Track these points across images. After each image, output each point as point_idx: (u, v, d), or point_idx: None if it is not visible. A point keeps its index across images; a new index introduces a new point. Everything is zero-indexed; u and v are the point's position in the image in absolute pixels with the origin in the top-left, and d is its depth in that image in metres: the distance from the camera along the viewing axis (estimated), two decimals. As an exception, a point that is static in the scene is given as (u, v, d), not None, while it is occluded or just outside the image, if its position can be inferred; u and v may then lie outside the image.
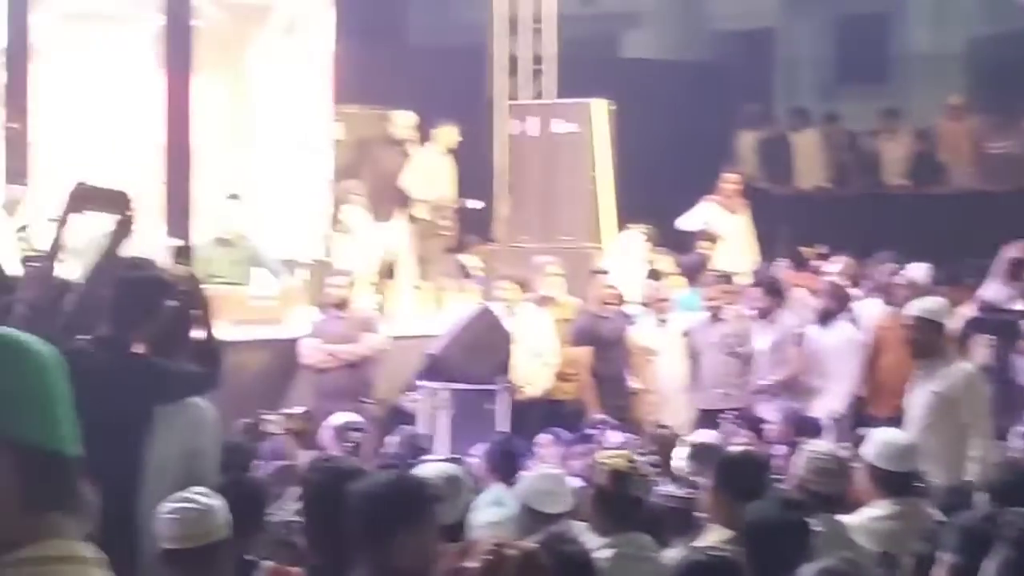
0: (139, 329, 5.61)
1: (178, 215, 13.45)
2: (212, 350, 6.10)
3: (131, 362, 5.59)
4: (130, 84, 13.81)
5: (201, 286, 6.34)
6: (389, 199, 13.75)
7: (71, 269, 8.70)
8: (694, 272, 13.19)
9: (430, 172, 13.92)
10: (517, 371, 11.08)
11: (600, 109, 13.53)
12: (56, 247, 5.43)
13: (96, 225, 6.56)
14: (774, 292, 11.42)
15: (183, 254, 6.01)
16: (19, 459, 2.11)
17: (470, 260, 14.36)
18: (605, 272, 12.14)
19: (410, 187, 13.95)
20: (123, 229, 5.60)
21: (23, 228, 7.42)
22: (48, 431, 2.15)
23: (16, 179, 12.55)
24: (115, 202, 5.53)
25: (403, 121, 14.15)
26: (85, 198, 5.47)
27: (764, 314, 11.26)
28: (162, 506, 5.10)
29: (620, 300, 11.79)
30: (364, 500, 4.28)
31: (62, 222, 5.50)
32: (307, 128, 14.53)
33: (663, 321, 11.85)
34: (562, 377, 11.49)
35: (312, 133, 14.54)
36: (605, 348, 11.46)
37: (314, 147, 14.53)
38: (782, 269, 13.22)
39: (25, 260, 6.97)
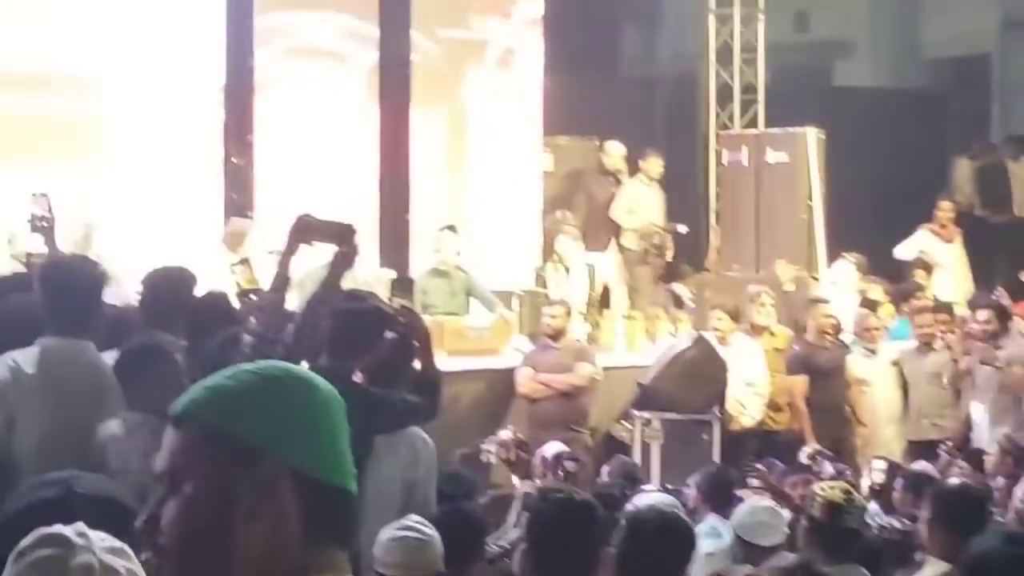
0: (358, 360, 5.72)
1: (395, 247, 13.74)
2: (431, 381, 6.20)
3: (350, 392, 5.68)
4: (347, 118, 14.13)
5: (420, 318, 6.47)
6: (600, 229, 13.87)
7: (291, 301, 8.95)
8: (905, 301, 13.02)
9: (640, 202, 14.00)
10: (730, 401, 11.06)
11: (812, 138, 13.44)
12: (282, 279, 5.54)
13: (314, 257, 6.78)
14: (1002, 316, 11.18)
15: (402, 286, 6.09)
16: (304, 491, 2.18)
17: (682, 289, 14.38)
18: (824, 301, 12.04)
19: (620, 217, 14.05)
20: (345, 261, 5.68)
21: (241, 262, 7.61)
22: (332, 465, 2.22)
23: (240, 213, 12.93)
24: (339, 234, 5.60)
25: (613, 151, 14.29)
26: (310, 230, 5.55)
27: (991, 336, 11.01)
28: (382, 534, 5.21)
29: (837, 329, 11.69)
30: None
31: (288, 254, 5.59)
32: (518, 159, 14.71)
33: (873, 351, 11.72)
34: (775, 407, 11.43)
35: (523, 164, 14.71)
36: (822, 378, 11.37)
37: (525, 178, 14.71)
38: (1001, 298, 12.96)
39: (243, 293, 7.12)
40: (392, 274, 12.07)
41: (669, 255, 13.86)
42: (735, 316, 11.47)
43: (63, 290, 4.95)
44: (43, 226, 6.83)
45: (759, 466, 8.90)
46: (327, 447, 2.24)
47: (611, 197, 14.14)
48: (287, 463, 2.18)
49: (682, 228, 14.05)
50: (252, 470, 2.16)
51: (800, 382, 11.30)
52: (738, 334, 11.36)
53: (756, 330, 11.62)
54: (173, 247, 11.28)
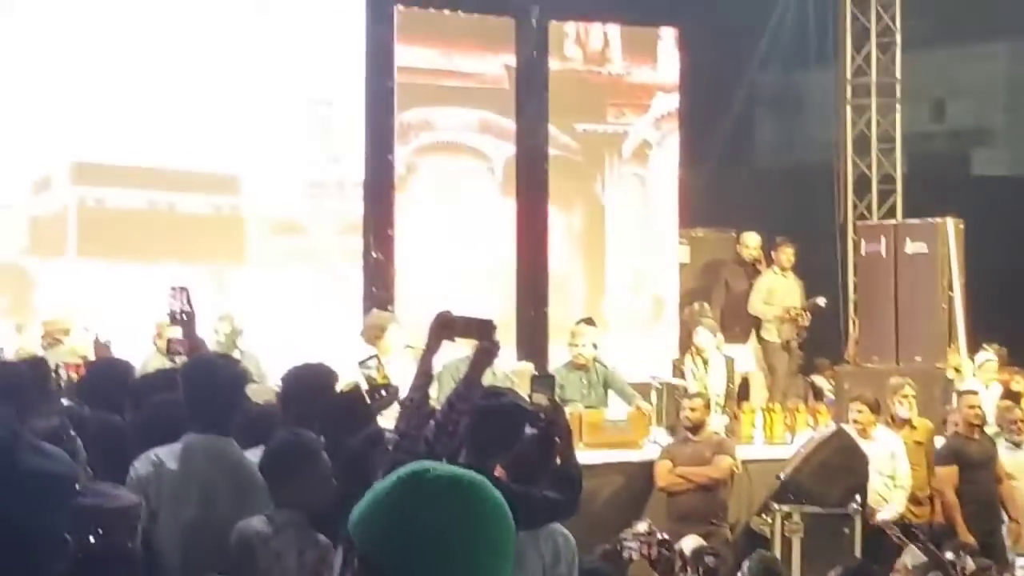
0: (499, 457, 5.76)
1: (533, 340, 13.84)
2: (572, 477, 6.22)
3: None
4: (485, 211, 14.30)
5: (562, 413, 6.49)
6: (738, 321, 13.85)
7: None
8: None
9: (775, 292, 13.98)
10: (871, 494, 10.93)
11: (951, 227, 13.33)
12: (425, 376, 5.57)
13: (452, 350, 6.84)
14: None
15: (543, 381, 6.11)
16: None
17: (822, 381, 14.30)
18: (973, 392, 11.89)
19: (757, 308, 14.03)
20: (486, 357, 5.69)
21: (371, 358, 7.67)
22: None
23: (380, 307, 13.11)
24: (479, 330, 5.63)
25: (750, 242, 14.31)
26: (451, 326, 5.58)
27: None
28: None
29: (984, 421, 11.54)
30: None
31: (430, 351, 5.62)
32: (655, 251, 14.77)
33: (1018, 444, 11.54)
34: (915, 500, 11.28)
35: (660, 256, 14.76)
36: (972, 470, 11.19)
37: (662, 270, 14.75)
38: None
39: (374, 389, 7.15)
40: (530, 367, 12.14)
41: (801, 334, 13.81)
42: (875, 408, 11.35)
43: (205, 388, 5.04)
44: (183, 320, 6.94)
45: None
46: (477, 561, 2.27)
47: (749, 288, 14.13)
48: None
49: (821, 300, 13.97)
50: None
51: (951, 473, 11.14)
52: (879, 427, 11.24)
53: (897, 422, 11.49)
54: (314, 342, 11.45)
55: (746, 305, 14.07)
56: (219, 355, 6.68)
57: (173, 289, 7.28)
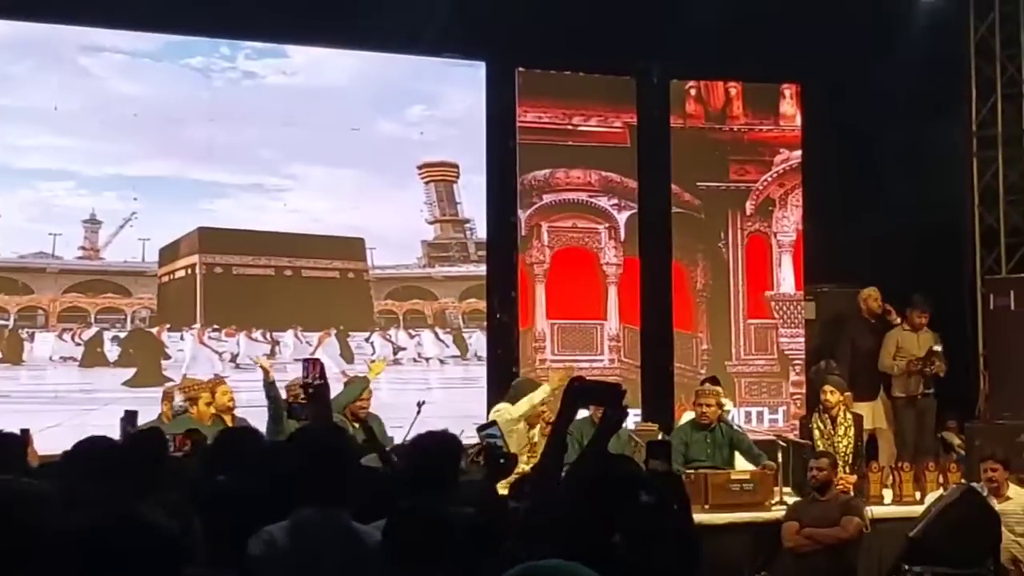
0: (615, 526, 5.70)
1: (658, 398, 13.79)
2: (691, 545, 6.16)
3: (607, 563, 5.64)
4: (609, 271, 14.29)
5: (680, 480, 6.44)
6: (866, 377, 13.67)
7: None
8: None
9: (904, 349, 13.79)
10: (1005, 554, 10.72)
11: (1080, 280, 13.10)
12: (560, 446, 5.54)
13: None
14: None
15: (658, 448, 6.06)
16: None
17: (952, 438, 14.06)
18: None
19: (886, 364, 13.86)
20: (613, 424, 5.68)
21: (491, 425, 7.67)
22: None
23: (506, 368, 13.16)
24: (609, 396, 5.61)
25: (872, 297, 14.15)
26: (585, 394, 5.56)
27: None
28: None
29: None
30: None
31: (565, 420, 5.61)
32: (781, 308, 14.66)
33: None
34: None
35: (786, 313, 14.65)
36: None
37: (788, 327, 14.64)
38: None
39: (493, 457, 7.15)
40: (655, 427, 12.10)
41: (939, 370, 13.61)
42: (1008, 465, 11.14)
43: (314, 460, 5.05)
44: (316, 392, 7.01)
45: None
46: None
47: (874, 344, 13.97)
48: None
49: (937, 346, 13.74)
50: None
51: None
52: (1011, 484, 11.03)
53: (1029, 480, 11.27)
54: (440, 405, 11.52)
55: (872, 361, 13.90)
56: (326, 425, 6.72)
57: (306, 361, 7.39)
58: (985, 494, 10.90)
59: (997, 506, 10.82)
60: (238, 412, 11.04)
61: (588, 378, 5.68)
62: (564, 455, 5.42)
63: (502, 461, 6.69)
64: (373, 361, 12.79)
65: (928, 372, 13.65)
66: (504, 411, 11.12)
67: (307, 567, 4.72)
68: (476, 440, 8.59)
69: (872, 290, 14.23)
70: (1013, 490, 10.94)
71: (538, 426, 11.11)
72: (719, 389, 12.10)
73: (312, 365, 7.24)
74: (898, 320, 14.05)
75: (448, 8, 13.25)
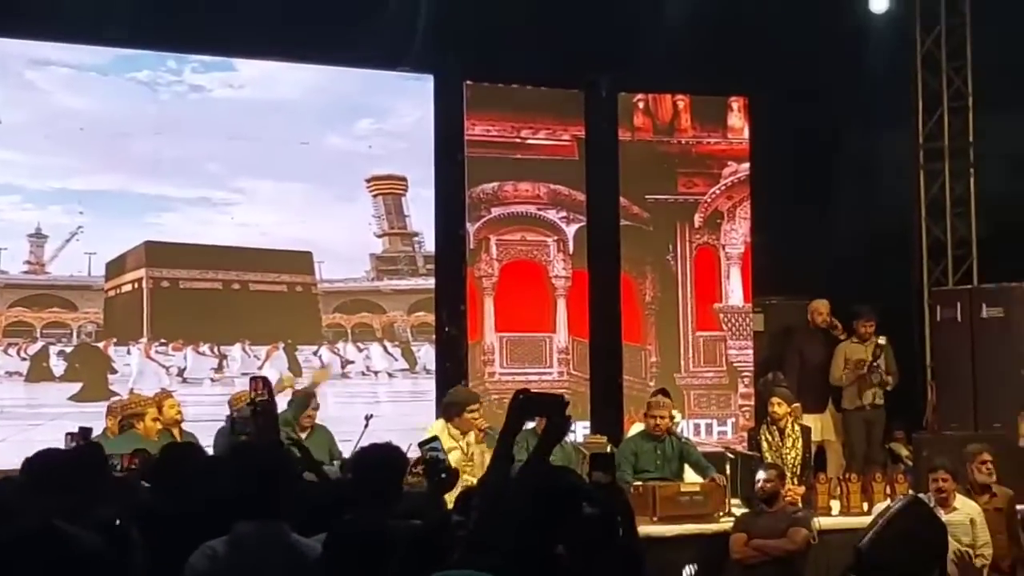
0: (558, 538, 5.69)
1: (607, 411, 13.81)
2: (635, 556, 6.16)
3: (548, 572, 5.64)
4: (557, 283, 14.31)
5: (622, 491, 6.45)
6: (813, 389, 13.72)
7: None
8: None
9: (854, 360, 13.86)
10: (950, 564, 10.77)
11: (1027, 292, 13.21)
12: (507, 460, 5.51)
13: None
14: None
15: (603, 460, 6.07)
16: None
17: (899, 449, 14.14)
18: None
19: (836, 376, 13.93)
20: (556, 435, 5.67)
21: (433, 439, 7.64)
22: None
23: (455, 382, 13.13)
24: (553, 407, 5.61)
25: (821, 309, 14.23)
26: (531, 406, 5.54)
27: None
28: None
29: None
30: None
31: (512, 433, 5.58)
32: (729, 320, 14.71)
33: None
34: (997, 568, 11.09)
35: (734, 325, 14.70)
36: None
37: (736, 339, 14.68)
38: None
39: (434, 472, 7.12)
40: (603, 440, 12.11)
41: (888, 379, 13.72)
42: (956, 476, 11.19)
43: (254, 475, 5.04)
44: (262, 410, 7.00)
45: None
46: None
47: (823, 356, 14.05)
48: None
49: (881, 339, 13.82)
50: None
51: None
52: (958, 495, 11.09)
53: (977, 490, 11.33)
54: (388, 419, 11.49)
55: (820, 373, 13.97)
56: (264, 441, 6.70)
57: (253, 379, 7.37)
58: (932, 504, 10.95)
59: (944, 516, 10.86)
60: (185, 426, 10.99)
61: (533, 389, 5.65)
62: (510, 468, 5.40)
63: (443, 475, 6.67)
64: (317, 370, 12.77)
65: (875, 374, 13.70)
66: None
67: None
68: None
69: (821, 303, 14.30)
70: (960, 500, 11.00)
71: (471, 432, 11.05)
72: (669, 401, 12.12)
73: (258, 382, 7.23)
74: (844, 335, 14.13)
75: (397, 21, 13.25)
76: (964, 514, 10.94)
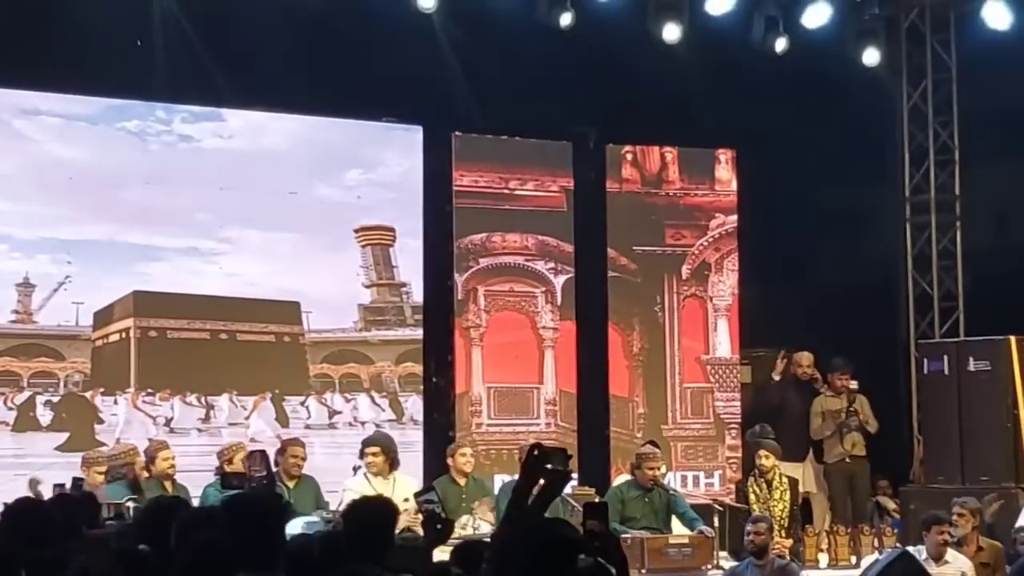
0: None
1: (595, 463, 13.77)
2: (631, 609, 6.15)
3: None
4: (545, 334, 14.31)
5: (617, 542, 6.42)
6: (795, 440, 13.69)
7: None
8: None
9: (831, 412, 13.90)
10: (941, 618, 10.74)
11: (1015, 345, 13.20)
12: (524, 511, 5.50)
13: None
14: None
15: (596, 509, 6.06)
16: None
17: (887, 502, 14.13)
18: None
19: (815, 430, 13.94)
20: (556, 487, 5.69)
21: (429, 491, 7.62)
22: None
23: (442, 432, 13.11)
24: (558, 460, 5.63)
25: (803, 362, 14.24)
26: (545, 459, 5.55)
27: None
28: None
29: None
30: None
31: (528, 487, 5.59)
32: (716, 372, 14.72)
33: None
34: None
35: (721, 376, 14.71)
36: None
37: (724, 391, 14.69)
38: None
39: (430, 523, 7.12)
40: (591, 492, 12.08)
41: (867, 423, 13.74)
42: (943, 529, 11.13)
43: (251, 526, 5.02)
44: (261, 483, 7.01)
45: None
46: None
47: (803, 407, 14.06)
48: None
49: (853, 383, 13.86)
50: None
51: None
52: (949, 549, 11.03)
53: (965, 543, 11.29)
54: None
55: (801, 425, 13.96)
56: (258, 490, 6.69)
57: (252, 454, 7.36)
58: (924, 558, 10.90)
59: (935, 570, 10.84)
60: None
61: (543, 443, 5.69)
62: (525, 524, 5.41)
63: (439, 527, 6.64)
64: None
65: (852, 419, 13.71)
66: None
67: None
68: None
69: (804, 355, 14.31)
70: (951, 554, 10.95)
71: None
72: (658, 452, 12.14)
73: (255, 457, 7.24)
74: (824, 388, 14.15)
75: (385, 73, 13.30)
76: (956, 568, 10.89)
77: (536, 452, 5.36)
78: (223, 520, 5.05)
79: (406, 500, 9.23)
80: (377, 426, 13.88)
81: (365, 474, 11.01)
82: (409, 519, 9.06)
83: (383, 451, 11.26)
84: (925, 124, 15.41)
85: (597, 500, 10.09)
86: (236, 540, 4.85)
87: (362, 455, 11.09)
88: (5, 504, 5.76)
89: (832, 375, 13.99)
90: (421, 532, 6.80)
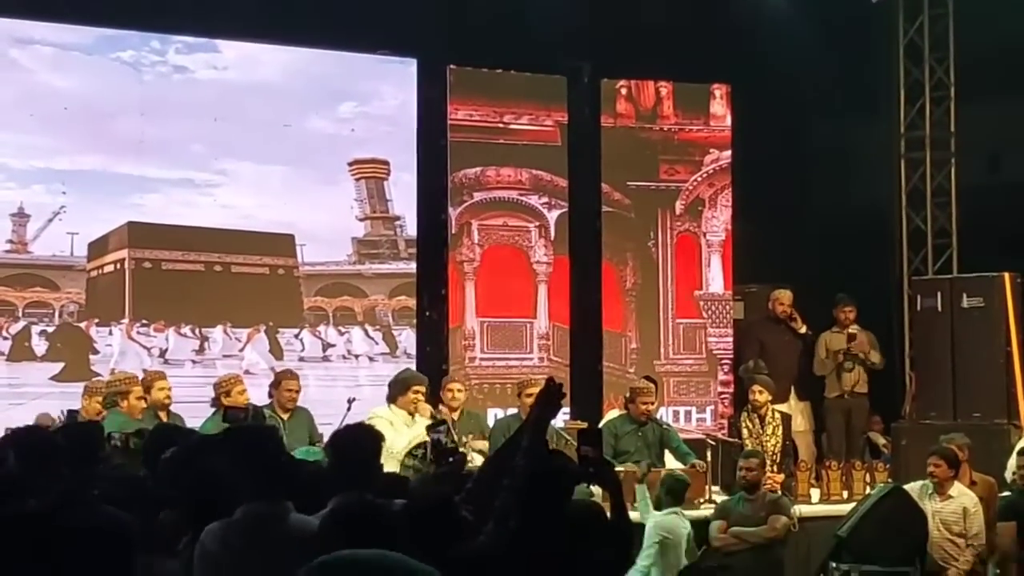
0: (550, 523, 5.71)
1: (588, 397, 13.82)
2: (622, 532, 6.17)
3: (545, 557, 5.65)
4: (538, 269, 14.32)
5: (612, 468, 6.47)
6: (774, 378, 13.68)
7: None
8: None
9: (833, 349, 13.91)
10: (938, 552, 10.79)
11: (1008, 282, 13.23)
12: (539, 446, 5.55)
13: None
14: None
15: (592, 436, 6.11)
16: None
17: (877, 438, 14.19)
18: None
19: (818, 368, 13.95)
20: (547, 416, 5.74)
21: (441, 423, 7.62)
22: None
23: (435, 366, 13.12)
24: (550, 392, 5.69)
25: (784, 299, 14.17)
26: (560, 394, 5.61)
27: None
28: None
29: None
30: None
31: (546, 420, 5.65)
32: (709, 308, 14.74)
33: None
34: (980, 559, 11.12)
35: (714, 313, 14.73)
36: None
37: (716, 326, 14.72)
38: None
39: (441, 455, 7.14)
40: (583, 425, 12.11)
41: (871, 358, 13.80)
42: (951, 463, 11.14)
43: (258, 457, 5.04)
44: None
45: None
46: None
47: (782, 345, 14.03)
48: None
49: (853, 328, 13.89)
50: None
51: (1009, 528, 10.95)
52: (955, 483, 11.06)
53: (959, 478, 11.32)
54: (368, 401, 11.48)
55: (780, 362, 13.89)
56: (257, 423, 6.70)
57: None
58: (930, 491, 10.96)
59: (938, 504, 10.89)
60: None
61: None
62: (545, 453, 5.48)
63: (451, 460, 6.69)
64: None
65: (847, 362, 13.74)
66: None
67: (258, 556, 4.72)
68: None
69: (783, 292, 14.22)
70: (956, 489, 10.97)
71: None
72: (651, 386, 12.16)
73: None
74: (803, 328, 14.10)
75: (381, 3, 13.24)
76: (958, 503, 10.92)
77: (554, 387, 5.44)
78: (225, 450, 5.08)
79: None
80: (371, 359, 13.93)
81: (391, 406, 10.91)
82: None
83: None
84: (921, 60, 15.35)
85: (592, 428, 10.16)
86: (239, 469, 4.88)
87: (405, 392, 10.93)
88: (10, 430, 5.77)
89: (835, 309, 13.96)
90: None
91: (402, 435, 10.30)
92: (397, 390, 10.95)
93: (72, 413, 8.75)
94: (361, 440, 5.90)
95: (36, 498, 2.59)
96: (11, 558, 2.31)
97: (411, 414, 10.75)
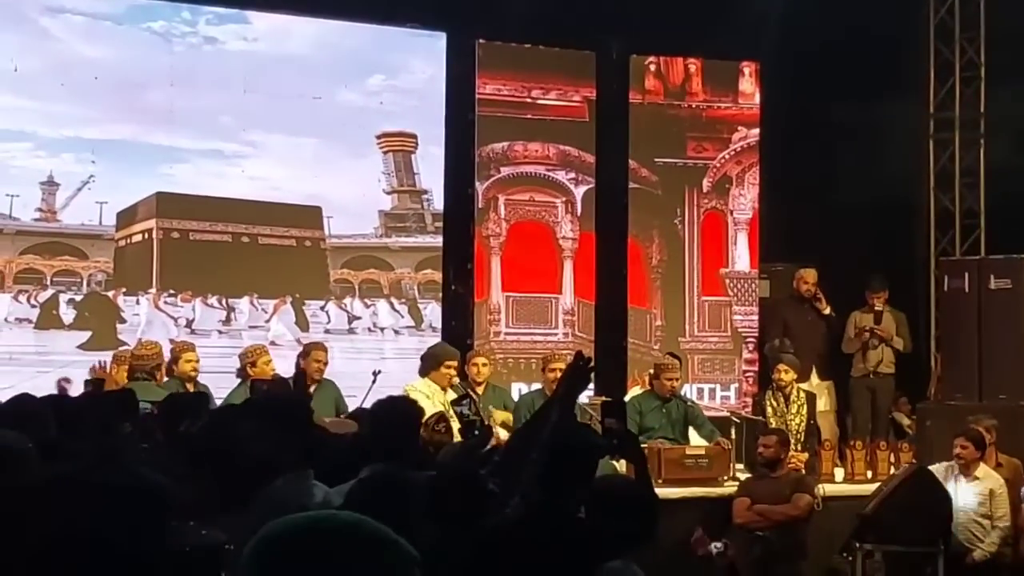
0: (575, 495, 5.72)
1: (612, 373, 13.82)
2: (647, 503, 6.16)
3: (569, 529, 5.66)
4: (564, 245, 14.32)
5: (636, 439, 6.47)
6: (806, 358, 13.65)
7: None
8: None
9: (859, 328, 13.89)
10: (964, 533, 10.80)
11: (1036, 264, 13.18)
12: (569, 421, 5.58)
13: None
14: None
15: (616, 408, 6.13)
16: None
17: (902, 418, 14.17)
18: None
19: (848, 348, 13.92)
20: (577, 390, 5.76)
21: (465, 397, 7.67)
22: None
23: (460, 340, 13.14)
24: (579, 367, 5.71)
25: (808, 278, 14.11)
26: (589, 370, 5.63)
27: None
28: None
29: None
30: None
31: (575, 396, 5.67)
32: (735, 286, 14.72)
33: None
34: (1005, 540, 11.11)
35: (740, 291, 14.72)
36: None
37: (743, 304, 14.71)
38: None
39: (467, 428, 7.18)
40: (608, 399, 12.12)
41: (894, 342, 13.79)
42: (980, 444, 11.14)
43: (294, 427, 5.06)
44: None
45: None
46: None
47: (805, 325, 13.99)
48: None
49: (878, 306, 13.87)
50: None
51: (1035, 509, 10.96)
52: (982, 465, 11.06)
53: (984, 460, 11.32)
54: (394, 374, 11.52)
55: (803, 341, 13.86)
56: (287, 393, 6.73)
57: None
58: (956, 472, 10.96)
59: (964, 484, 10.89)
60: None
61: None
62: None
63: (476, 432, 6.72)
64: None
65: (872, 340, 13.72)
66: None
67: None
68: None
69: (808, 271, 14.17)
70: (983, 470, 10.97)
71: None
72: (677, 363, 12.18)
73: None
74: (827, 309, 14.06)
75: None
76: (984, 485, 10.93)
77: (583, 363, 5.45)
78: (255, 420, 5.10)
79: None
80: (396, 332, 13.96)
81: (425, 379, 11.02)
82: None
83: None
84: (951, 40, 15.29)
85: (617, 401, 10.17)
86: (268, 440, 4.89)
87: (438, 366, 11.01)
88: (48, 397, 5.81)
89: (868, 293, 13.93)
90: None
91: (437, 408, 10.35)
92: (430, 364, 11.03)
93: (90, 382, 8.76)
94: (401, 412, 5.94)
95: (74, 461, 2.62)
96: (51, 518, 2.33)
97: (443, 389, 10.85)
